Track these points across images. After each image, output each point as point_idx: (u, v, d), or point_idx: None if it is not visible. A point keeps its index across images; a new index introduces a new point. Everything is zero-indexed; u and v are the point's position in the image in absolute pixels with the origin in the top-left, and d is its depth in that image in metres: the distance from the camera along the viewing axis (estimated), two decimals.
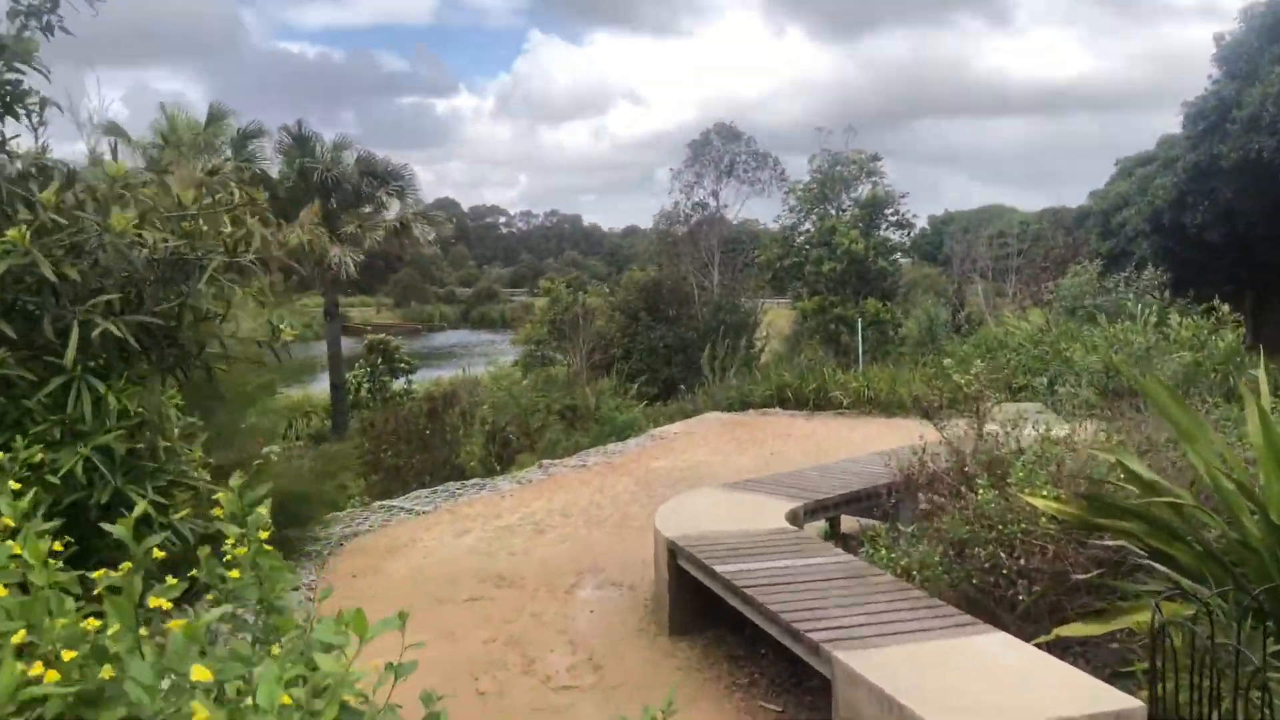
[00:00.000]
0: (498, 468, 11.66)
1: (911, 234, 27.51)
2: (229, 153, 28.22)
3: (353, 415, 31.33)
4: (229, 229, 4.51)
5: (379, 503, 10.05)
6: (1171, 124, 28.02)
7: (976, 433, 7.85)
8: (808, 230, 23.38)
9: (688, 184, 27.92)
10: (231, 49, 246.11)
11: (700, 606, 6.38)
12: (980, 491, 6.37)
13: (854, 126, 24.95)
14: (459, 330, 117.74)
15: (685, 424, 15.35)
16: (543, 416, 14.03)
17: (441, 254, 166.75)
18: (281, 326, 5.14)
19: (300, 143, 24.83)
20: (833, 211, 23.43)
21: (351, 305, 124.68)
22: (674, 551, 6.40)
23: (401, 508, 9.77)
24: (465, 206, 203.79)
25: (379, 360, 32.24)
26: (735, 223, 28.64)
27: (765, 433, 14.07)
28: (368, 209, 25.29)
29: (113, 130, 27.68)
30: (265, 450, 8.44)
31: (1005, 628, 5.53)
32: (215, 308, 4.45)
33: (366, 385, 31.64)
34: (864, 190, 24.40)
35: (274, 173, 25.45)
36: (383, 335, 32.96)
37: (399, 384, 32.67)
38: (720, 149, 26.71)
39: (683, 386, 25.51)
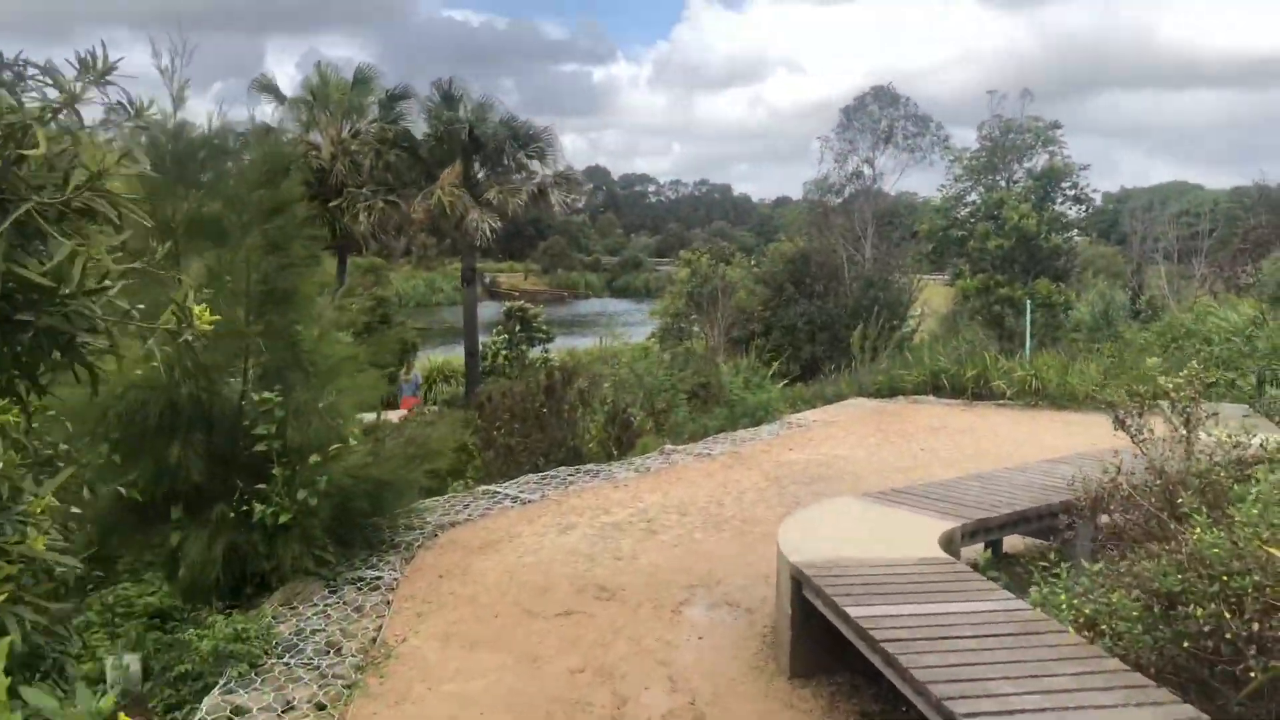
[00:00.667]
0: (615, 452, 10.73)
1: (1089, 210, 25.00)
2: (376, 113, 28.26)
3: (488, 382, 31.20)
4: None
5: (483, 488, 9.27)
6: None
7: (1185, 447, 6.39)
8: (973, 202, 21.38)
9: (841, 152, 26.24)
10: (401, 16, 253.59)
11: (829, 645, 5.26)
12: (1197, 530, 5.00)
13: (1030, 91, 22.73)
14: (603, 298, 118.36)
15: (826, 410, 14.07)
16: (669, 396, 13.03)
17: (589, 221, 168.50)
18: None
19: (448, 101, 24.48)
20: (1002, 183, 21.38)
21: (500, 270, 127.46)
22: (799, 581, 5.28)
23: (506, 494, 8.96)
24: (615, 175, 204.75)
25: (517, 328, 31.97)
26: (892, 194, 26.83)
27: (916, 424, 12.65)
28: (509, 169, 24.79)
29: (267, 87, 28.17)
30: (346, 429, 7.77)
31: (1227, 709, 4.25)
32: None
33: (504, 353, 31.41)
34: (1039, 161, 22.21)
35: (419, 133, 25.22)
36: (521, 302, 32.67)
37: (536, 352, 32.35)
38: (877, 114, 24.91)
39: (829, 367, 24.09)
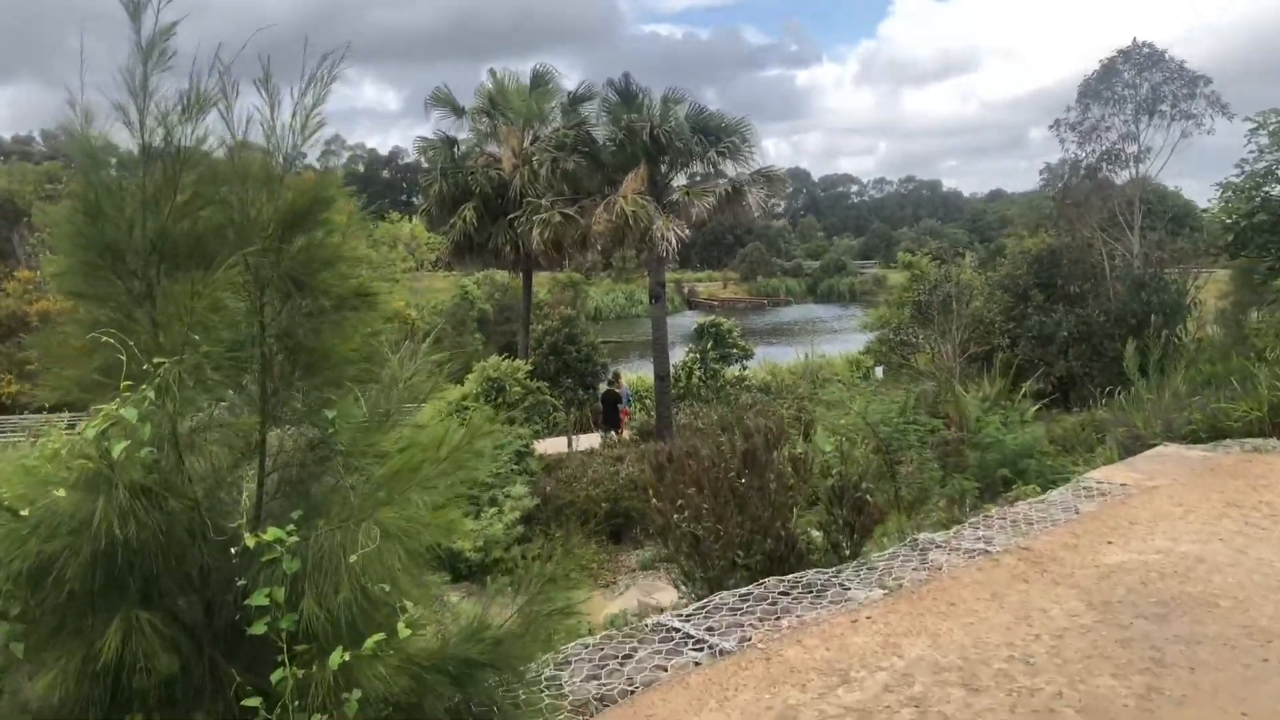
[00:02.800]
0: (846, 546, 7.60)
1: None
2: (559, 118, 26.18)
3: (682, 406, 28.51)
4: None
5: (655, 619, 6.30)
6: None
7: None
8: None
9: (1086, 130, 21.70)
10: (606, 35, 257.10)
11: None
12: None
13: None
14: (805, 304, 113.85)
15: (1131, 467, 10.29)
16: (915, 454, 9.76)
17: (789, 226, 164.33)
18: None
19: (626, 99, 21.94)
20: None
21: (698, 279, 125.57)
22: None
23: (688, 634, 5.98)
24: (816, 177, 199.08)
25: (710, 344, 29.13)
26: (1157, 176, 22.05)
27: None
28: (698, 171, 21.97)
29: (443, 101, 26.61)
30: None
31: None
32: None
33: (698, 373, 28.64)
34: None
35: (601, 137, 22.86)
36: (713, 316, 29.79)
37: (732, 370, 29.39)
38: (1133, 79, 20.32)
39: (1092, 388, 19.78)
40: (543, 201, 22.18)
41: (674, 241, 20.21)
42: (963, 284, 20.23)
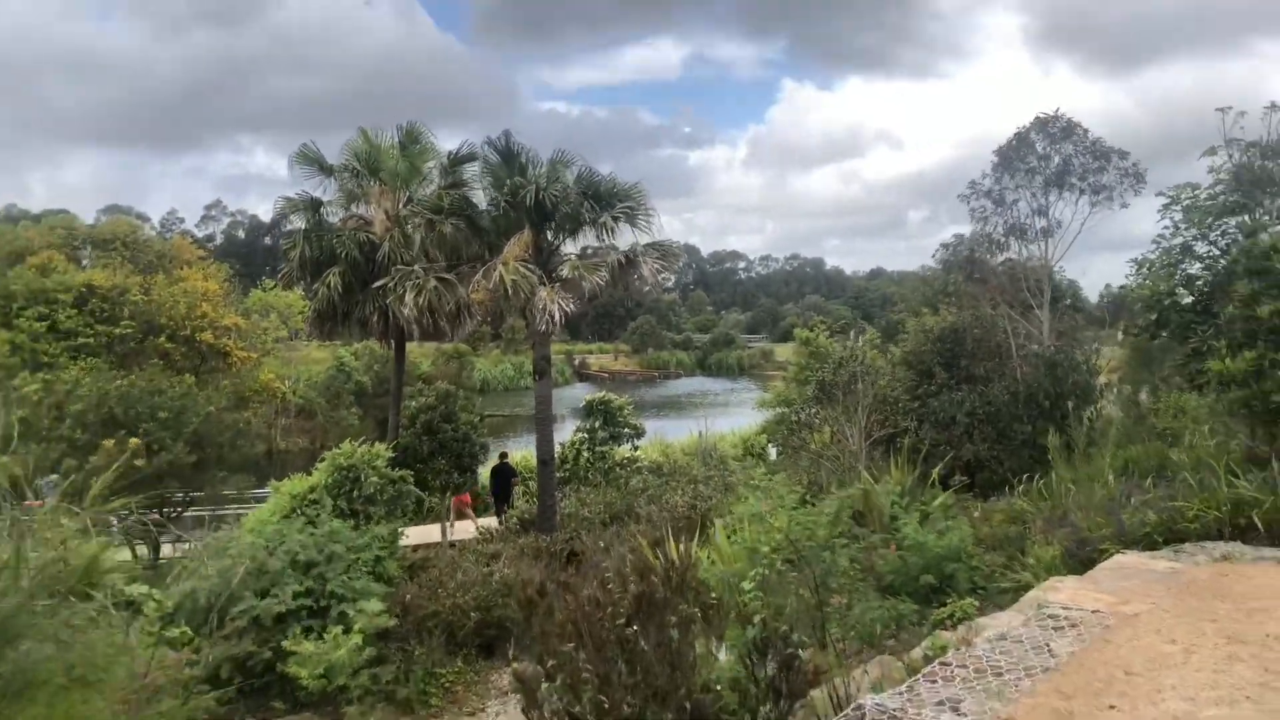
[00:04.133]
0: (772, 716, 5.70)
1: None
2: (437, 179, 24.20)
3: (568, 493, 26.37)
4: None
5: None
6: None
7: None
8: (1209, 255, 15.82)
9: (998, 198, 20.85)
10: (508, 111, 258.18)
11: None
12: None
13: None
14: (696, 377, 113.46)
15: (1095, 584, 8.71)
16: (848, 581, 7.99)
17: (679, 299, 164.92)
18: None
19: (508, 160, 20.17)
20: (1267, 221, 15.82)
21: (589, 351, 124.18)
22: None
23: None
24: (705, 252, 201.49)
25: (598, 423, 27.21)
26: (1061, 254, 21.24)
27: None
28: (590, 240, 20.25)
29: (310, 159, 24.37)
30: None
31: None
32: None
33: (586, 454, 26.64)
34: None
35: (481, 200, 21.00)
36: (602, 393, 27.90)
37: (624, 449, 27.48)
38: (1046, 149, 19.66)
39: (1002, 473, 18.55)
40: (415, 268, 20.11)
41: (558, 315, 18.37)
42: (867, 364, 18.87)
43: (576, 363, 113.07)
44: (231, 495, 20.29)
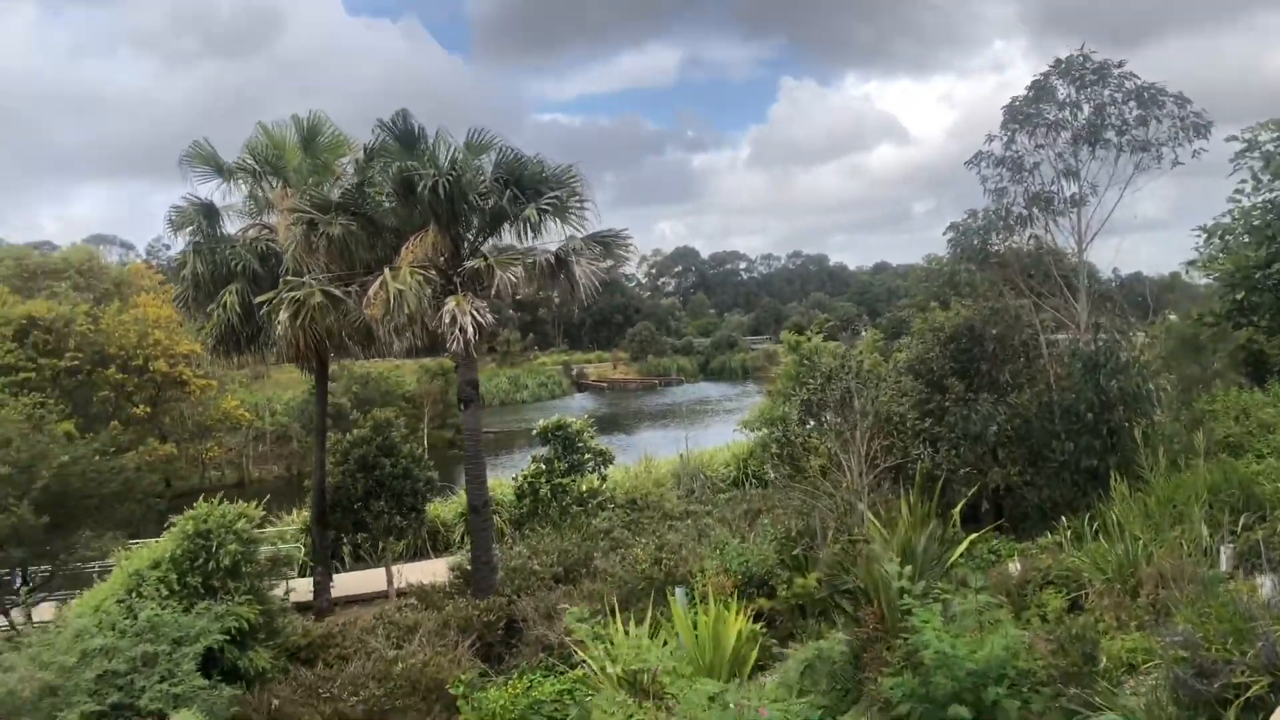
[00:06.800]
0: None
1: None
2: (351, 174, 20.45)
3: (518, 537, 22.62)
4: None
5: None
6: None
7: None
8: None
9: (1005, 173, 17.06)
10: (512, 124, 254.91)
11: None
12: None
13: None
14: (697, 383, 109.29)
15: None
16: None
17: (679, 304, 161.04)
18: None
19: (407, 144, 16.37)
20: None
21: (587, 360, 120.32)
22: None
23: None
24: (706, 255, 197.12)
25: (558, 451, 23.40)
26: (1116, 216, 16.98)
27: None
28: (509, 237, 16.43)
29: (203, 158, 20.65)
30: None
31: None
32: None
33: (545, 488, 22.83)
34: None
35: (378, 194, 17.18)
36: (558, 417, 24.02)
37: (590, 478, 23.67)
38: (1073, 96, 15.72)
39: (1043, 499, 14.77)
40: (306, 279, 16.41)
41: (471, 329, 14.59)
42: (865, 374, 15.00)
43: (574, 372, 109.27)
44: (95, 557, 16.64)
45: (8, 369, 41.24)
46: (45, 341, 42.67)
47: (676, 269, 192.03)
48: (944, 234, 17.10)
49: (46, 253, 66.73)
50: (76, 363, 42.96)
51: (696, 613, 11.35)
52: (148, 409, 45.48)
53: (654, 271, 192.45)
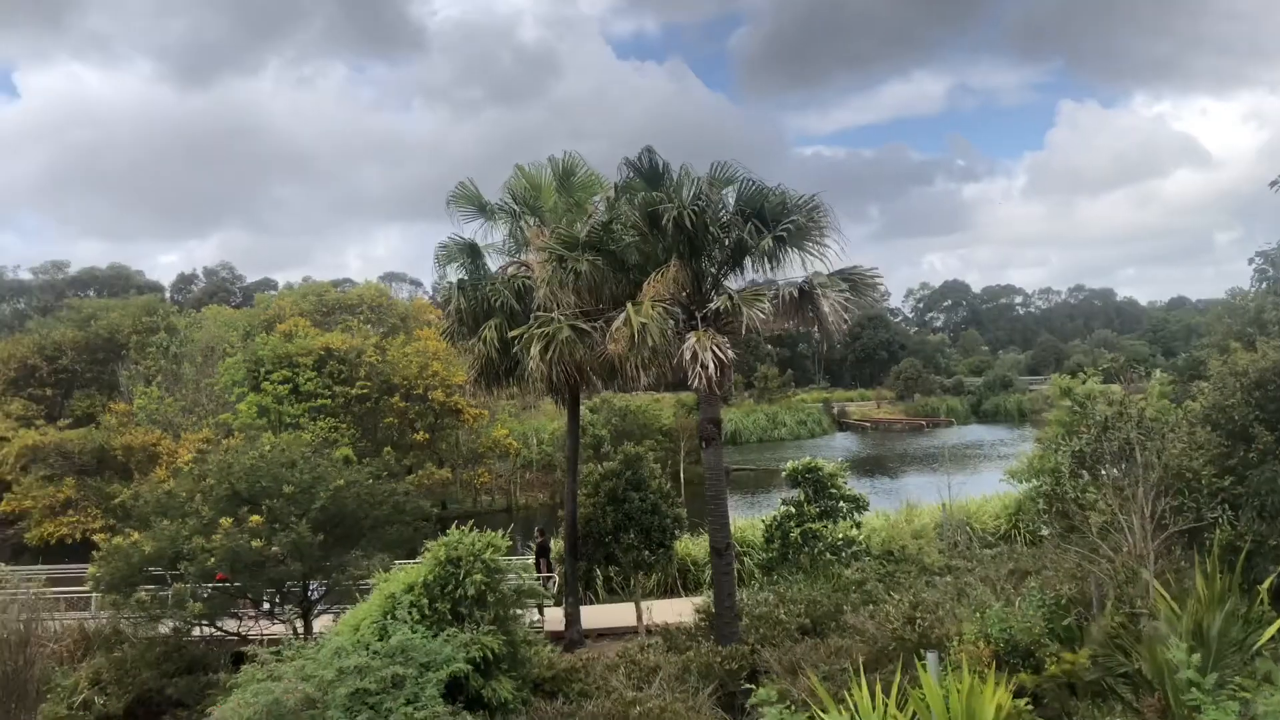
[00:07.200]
0: None
1: None
2: (602, 212, 20.93)
3: (767, 582, 22.03)
4: None
5: None
6: None
7: None
8: None
9: None
10: (774, 158, 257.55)
11: None
12: None
13: None
14: (969, 425, 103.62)
15: None
16: None
17: (949, 339, 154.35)
18: None
19: (652, 181, 16.46)
20: None
21: (849, 398, 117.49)
22: None
23: None
24: (978, 288, 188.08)
25: (809, 495, 22.59)
26: None
27: None
28: (750, 271, 16.07)
29: (468, 198, 21.89)
30: None
31: None
32: None
33: (795, 532, 22.09)
34: None
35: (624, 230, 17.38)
36: (808, 458, 23.20)
37: (844, 524, 22.70)
38: None
39: None
40: (555, 315, 16.85)
41: (712, 366, 14.32)
42: (1148, 424, 13.28)
43: (835, 411, 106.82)
44: (364, 576, 17.73)
45: (309, 395, 45.68)
46: (339, 371, 46.84)
47: (945, 303, 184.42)
48: (1249, 263, 14.99)
49: (345, 290, 73.76)
50: (365, 391, 46.85)
51: (948, 682, 10.30)
52: (427, 435, 48.91)
53: (921, 306, 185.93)
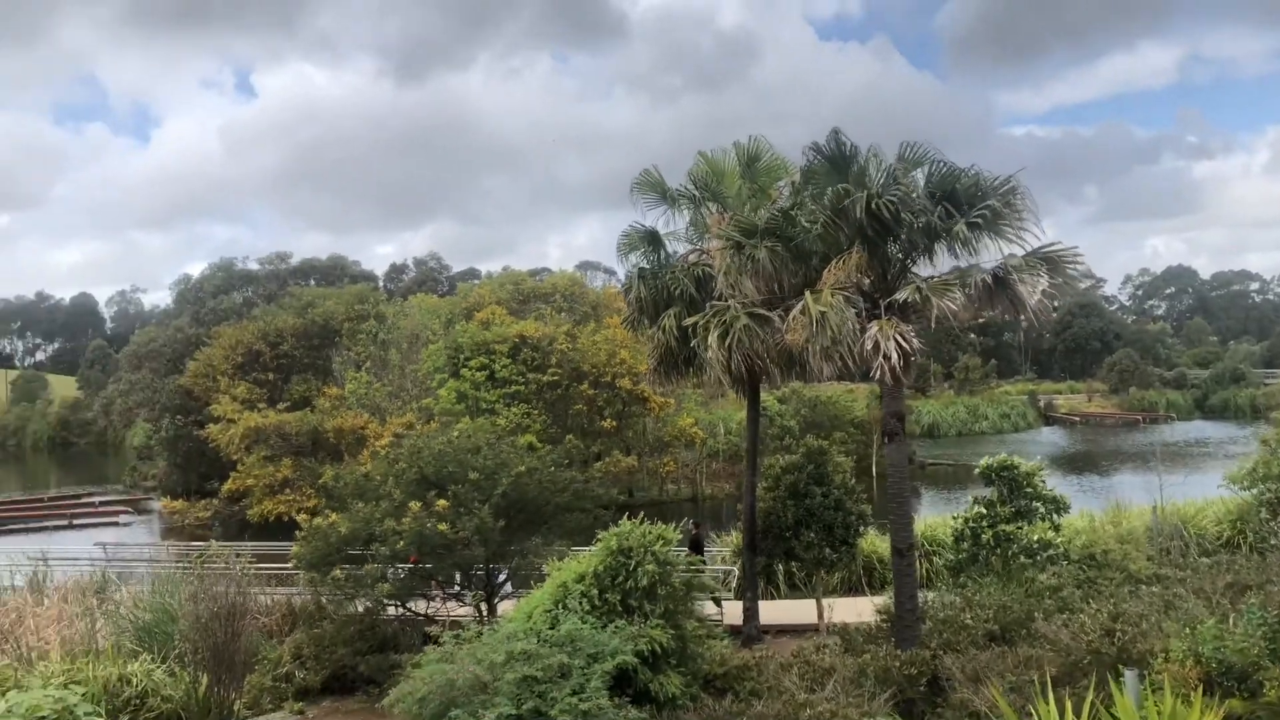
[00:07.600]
0: None
1: None
2: (786, 197, 20.40)
3: (968, 575, 20.91)
4: None
5: None
6: None
7: None
8: None
9: None
10: (979, 138, 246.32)
11: None
12: None
13: None
14: (1192, 421, 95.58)
15: None
16: None
17: (1170, 329, 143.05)
18: None
19: (837, 165, 15.73)
20: None
21: (1057, 391, 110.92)
22: None
23: None
24: (1207, 274, 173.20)
25: (1002, 494, 21.15)
26: None
27: None
28: (941, 256, 15.06)
29: (652, 185, 21.80)
30: None
31: None
32: None
33: (987, 534, 20.77)
34: None
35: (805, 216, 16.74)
36: (1003, 456, 21.70)
37: (1041, 526, 21.18)
38: None
39: None
40: (730, 304, 16.45)
41: (895, 355, 13.51)
42: None
43: (1042, 404, 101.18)
44: (542, 562, 18.00)
45: (504, 381, 47.25)
46: (533, 358, 48.19)
47: (1168, 290, 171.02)
48: None
49: (541, 278, 75.96)
50: (556, 378, 48.01)
51: (1148, 705, 9.28)
52: (614, 423, 49.68)
53: (1140, 293, 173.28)
